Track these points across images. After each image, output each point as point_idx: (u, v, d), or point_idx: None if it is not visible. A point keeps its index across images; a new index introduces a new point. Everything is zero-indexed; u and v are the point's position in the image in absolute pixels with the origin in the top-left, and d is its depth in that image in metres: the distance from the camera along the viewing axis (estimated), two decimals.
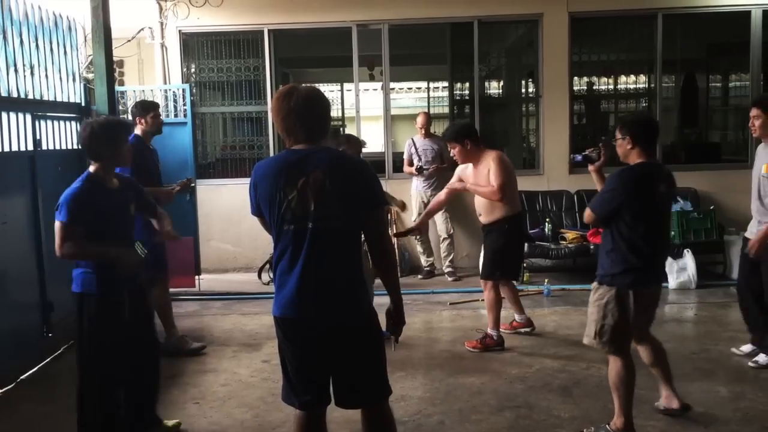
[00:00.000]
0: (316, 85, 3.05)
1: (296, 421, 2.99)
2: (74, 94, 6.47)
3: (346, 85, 14.68)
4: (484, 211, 5.48)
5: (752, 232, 4.87)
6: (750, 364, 4.83)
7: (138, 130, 5.52)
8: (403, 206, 6.75)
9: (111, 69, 6.38)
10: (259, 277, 7.94)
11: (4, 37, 5.31)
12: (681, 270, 7.22)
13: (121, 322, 3.69)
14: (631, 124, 3.86)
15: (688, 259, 7.24)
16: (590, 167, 4.09)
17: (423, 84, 16.21)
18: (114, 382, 3.74)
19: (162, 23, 8.37)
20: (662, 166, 3.95)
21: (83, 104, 6.51)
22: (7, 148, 5.22)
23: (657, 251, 3.78)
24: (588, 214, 3.87)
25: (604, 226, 3.83)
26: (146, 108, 5.62)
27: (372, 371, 2.93)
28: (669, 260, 7.23)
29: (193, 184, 5.90)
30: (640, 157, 3.77)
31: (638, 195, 3.67)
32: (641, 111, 3.88)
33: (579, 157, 4.28)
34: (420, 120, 8.30)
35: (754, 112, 4.78)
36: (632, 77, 9.20)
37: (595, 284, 3.85)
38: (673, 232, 7.54)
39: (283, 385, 3.01)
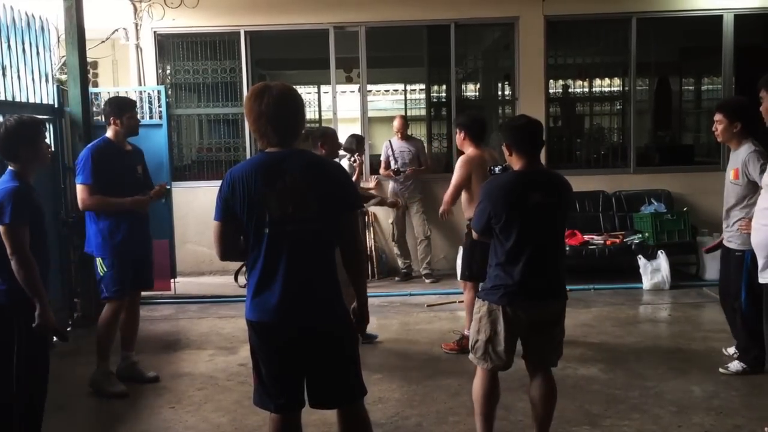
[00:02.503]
0: (293, 86, 3.00)
1: (272, 425, 2.97)
2: (47, 95, 6.40)
3: (323, 87, 14.62)
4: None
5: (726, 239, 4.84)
6: (720, 370, 4.84)
7: (110, 132, 4.78)
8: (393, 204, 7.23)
9: (84, 70, 6.32)
10: (236, 280, 7.80)
11: None
12: (655, 271, 7.29)
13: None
14: (504, 130, 3.61)
15: (662, 260, 7.32)
16: None
17: (400, 86, 16.21)
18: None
19: (137, 24, 8.29)
20: (540, 174, 3.52)
21: (56, 106, 6.43)
22: None
23: (532, 267, 3.36)
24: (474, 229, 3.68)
25: (489, 241, 3.54)
26: (122, 107, 4.84)
27: (347, 371, 2.92)
28: (643, 261, 7.32)
29: (168, 187, 5.46)
30: (518, 164, 3.49)
31: (503, 207, 3.38)
32: (519, 115, 3.54)
33: (497, 169, 4.13)
34: (396, 124, 8.31)
35: (717, 116, 4.76)
36: (607, 80, 9.29)
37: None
38: (647, 234, 7.62)
39: (255, 389, 2.99)
